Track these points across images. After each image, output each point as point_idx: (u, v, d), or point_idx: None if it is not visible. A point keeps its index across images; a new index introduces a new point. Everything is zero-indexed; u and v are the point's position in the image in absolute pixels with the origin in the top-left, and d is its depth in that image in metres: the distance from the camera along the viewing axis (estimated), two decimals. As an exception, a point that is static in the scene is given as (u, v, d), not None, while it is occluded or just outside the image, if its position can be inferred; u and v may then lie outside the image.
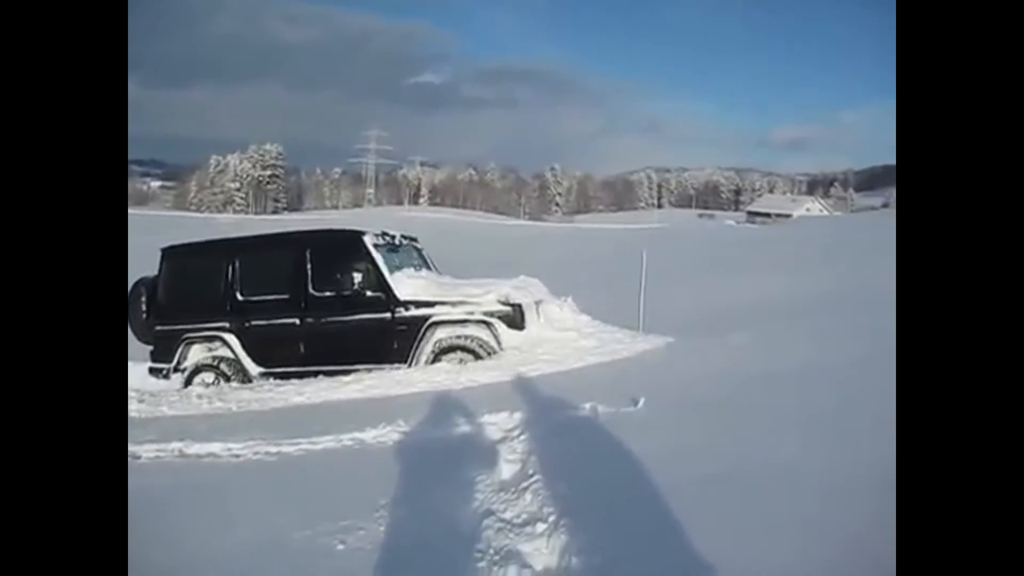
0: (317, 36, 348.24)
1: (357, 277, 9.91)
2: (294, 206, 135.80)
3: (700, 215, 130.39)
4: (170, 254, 11.35)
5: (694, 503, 4.09)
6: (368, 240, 10.25)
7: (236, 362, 10.60)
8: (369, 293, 9.92)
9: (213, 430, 7.13)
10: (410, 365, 9.62)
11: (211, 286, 10.81)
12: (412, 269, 10.56)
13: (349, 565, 3.87)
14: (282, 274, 10.55)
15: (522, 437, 5.83)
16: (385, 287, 9.92)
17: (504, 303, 9.74)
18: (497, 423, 6.34)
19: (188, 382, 10.80)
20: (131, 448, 6.65)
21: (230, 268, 10.75)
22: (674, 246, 33.88)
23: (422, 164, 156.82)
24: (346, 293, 9.99)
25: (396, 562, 3.93)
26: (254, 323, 10.54)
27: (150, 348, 11.31)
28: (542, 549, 3.86)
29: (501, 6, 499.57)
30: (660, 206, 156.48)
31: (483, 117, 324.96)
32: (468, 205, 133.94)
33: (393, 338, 9.83)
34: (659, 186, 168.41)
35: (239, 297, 10.66)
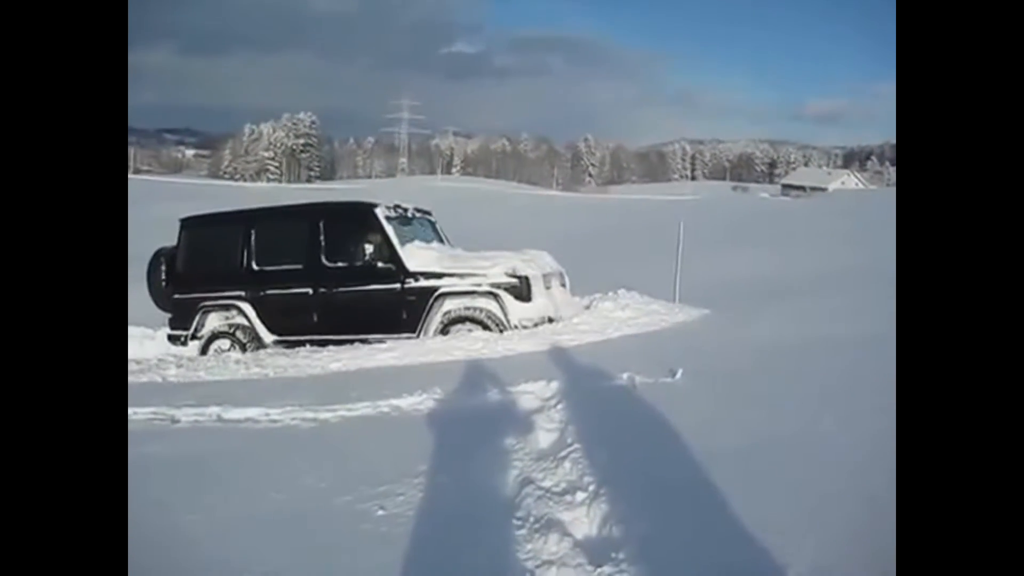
0: (350, 5, 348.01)
1: (369, 248, 10.13)
2: (327, 175, 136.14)
3: (734, 188, 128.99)
4: (188, 224, 11.62)
5: (733, 473, 4.09)
6: (380, 212, 10.41)
7: (251, 330, 10.89)
8: (380, 264, 10.11)
9: (251, 395, 7.16)
10: (419, 335, 9.81)
11: (228, 256, 11.10)
12: (423, 241, 10.68)
13: (389, 530, 3.87)
14: (296, 245, 10.77)
15: (559, 406, 5.80)
16: (396, 258, 10.09)
17: (511, 275, 9.83)
18: (534, 392, 6.32)
19: (204, 349, 11.14)
20: (170, 412, 6.73)
21: (246, 238, 11.00)
22: (709, 218, 33.68)
23: (455, 134, 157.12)
24: (358, 264, 10.21)
25: (436, 528, 3.93)
26: (269, 292, 10.81)
27: (169, 315, 11.70)
28: (582, 518, 3.84)
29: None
30: (694, 178, 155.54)
31: (516, 87, 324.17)
32: (501, 175, 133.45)
33: (403, 308, 10.03)
34: (693, 158, 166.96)
35: (254, 267, 10.92)
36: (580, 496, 4.03)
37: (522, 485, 4.35)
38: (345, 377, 8.11)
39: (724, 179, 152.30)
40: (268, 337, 10.78)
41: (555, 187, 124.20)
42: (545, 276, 10.05)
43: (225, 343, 11.03)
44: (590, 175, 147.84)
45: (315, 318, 10.52)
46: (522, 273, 9.80)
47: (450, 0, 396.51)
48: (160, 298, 11.69)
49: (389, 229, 10.23)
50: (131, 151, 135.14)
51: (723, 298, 11.55)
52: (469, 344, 8.89)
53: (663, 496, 3.95)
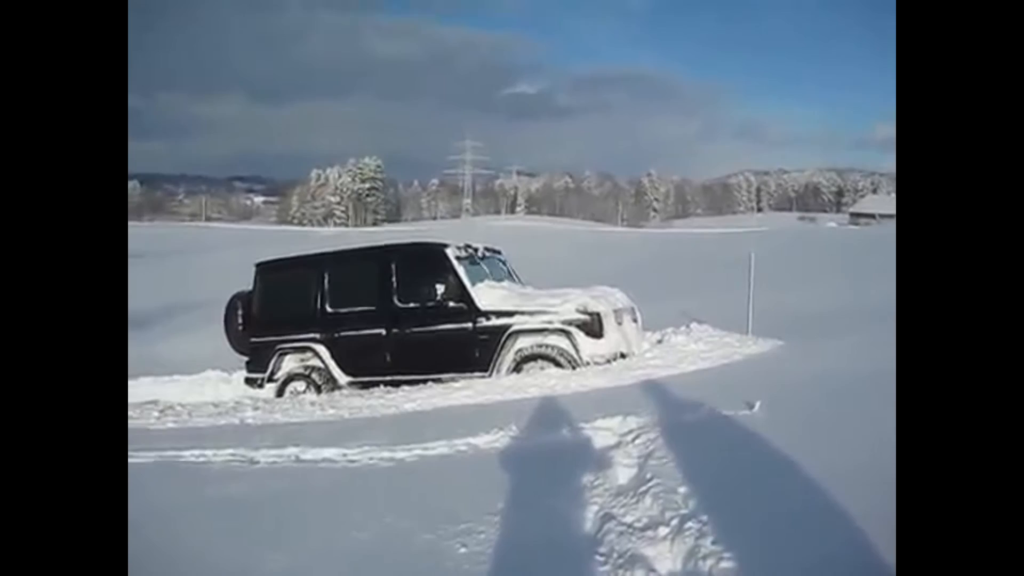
0: (411, 49, 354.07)
1: (440, 288, 10.20)
2: (393, 218, 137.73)
3: (800, 218, 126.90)
4: (263, 269, 11.94)
5: (815, 506, 4.00)
6: (451, 253, 10.53)
7: (326, 371, 11.04)
8: (452, 304, 10.21)
9: (328, 436, 7.24)
10: (491, 374, 9.86)
11: (302, 299, 11.30)
12: (494, 280, 10.77)
13: (472, 568, 3.89)
14: (369, 286, 10.93)
15: (636, 441, 5.75)
16: (467, 298, 10.17)
17: (582, 312, 9.85)
18: (611, 427, 6.26)
19: (281, 391, 11.32)
20: (248, 453, 6.85)
21: (319, 281, 11.20)
22: (777, 249, 33.29)
23: (518, 173, 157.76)
24: (430, 304, 10.28)
25: (519, 565, 3.94)
26: (343, 334, 10.96)
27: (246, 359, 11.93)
28: (666, 553, 3.80)
29: (594, 14, 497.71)
30: (759, 209, 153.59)
31: (578, 124, 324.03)
32: (565, 213, 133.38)
33: (475, 347, 10.10)
34: (758, 189, 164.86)
35: (328, 309, 11.11)
36: (663, 531, 3.99)
37: (603, 521, 4.33)
38: (420, 416, 8.15)
39: (790, 210, 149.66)
40: (343, 378, 10.90)
41: (620, 223, 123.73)
42: (616, 312, 10.03)
43: (301, 385, 11.20)
44: (654, 210, 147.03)
45: (389, 358, 10.63)
46: (593, 309, 9.81)
47: (510, 42, 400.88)
48: (237, 341, 11.96)
49: (460, 269, 10.34)
50: (201, 200, 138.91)
51: (795, 329, 11.38)
52: (543, 381, 8.90)
53: (747, 531, 3.89)
